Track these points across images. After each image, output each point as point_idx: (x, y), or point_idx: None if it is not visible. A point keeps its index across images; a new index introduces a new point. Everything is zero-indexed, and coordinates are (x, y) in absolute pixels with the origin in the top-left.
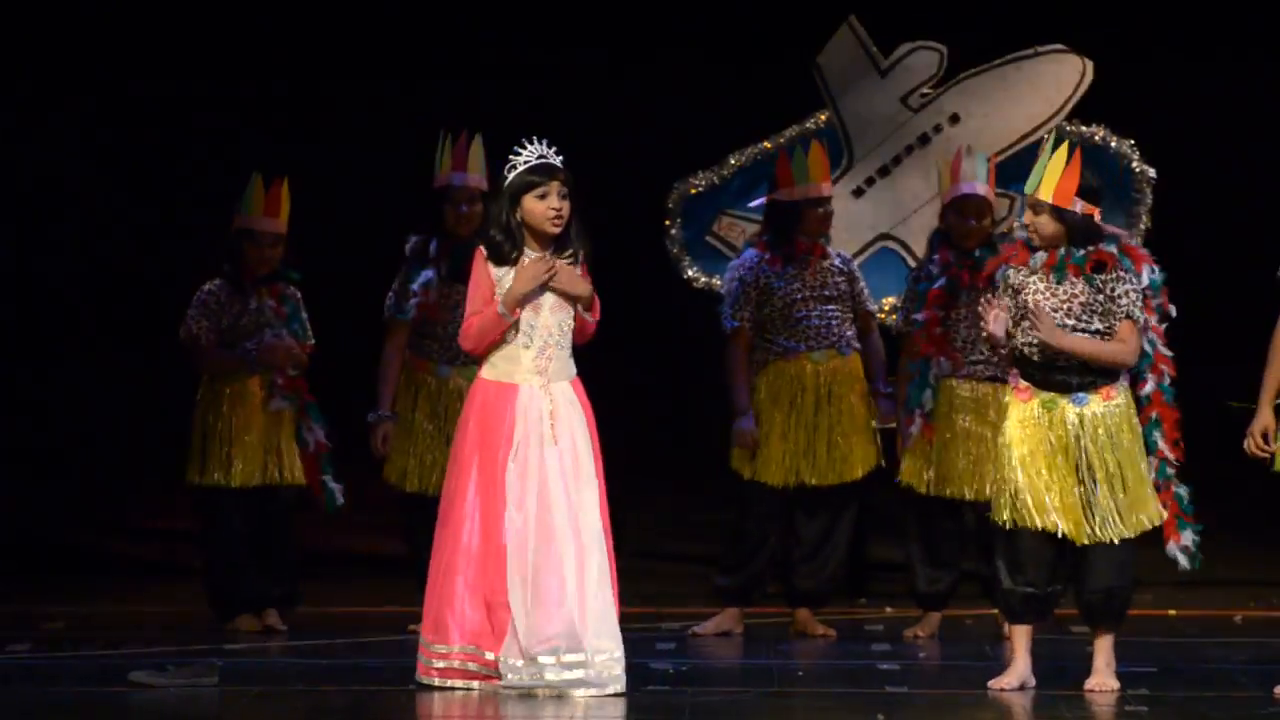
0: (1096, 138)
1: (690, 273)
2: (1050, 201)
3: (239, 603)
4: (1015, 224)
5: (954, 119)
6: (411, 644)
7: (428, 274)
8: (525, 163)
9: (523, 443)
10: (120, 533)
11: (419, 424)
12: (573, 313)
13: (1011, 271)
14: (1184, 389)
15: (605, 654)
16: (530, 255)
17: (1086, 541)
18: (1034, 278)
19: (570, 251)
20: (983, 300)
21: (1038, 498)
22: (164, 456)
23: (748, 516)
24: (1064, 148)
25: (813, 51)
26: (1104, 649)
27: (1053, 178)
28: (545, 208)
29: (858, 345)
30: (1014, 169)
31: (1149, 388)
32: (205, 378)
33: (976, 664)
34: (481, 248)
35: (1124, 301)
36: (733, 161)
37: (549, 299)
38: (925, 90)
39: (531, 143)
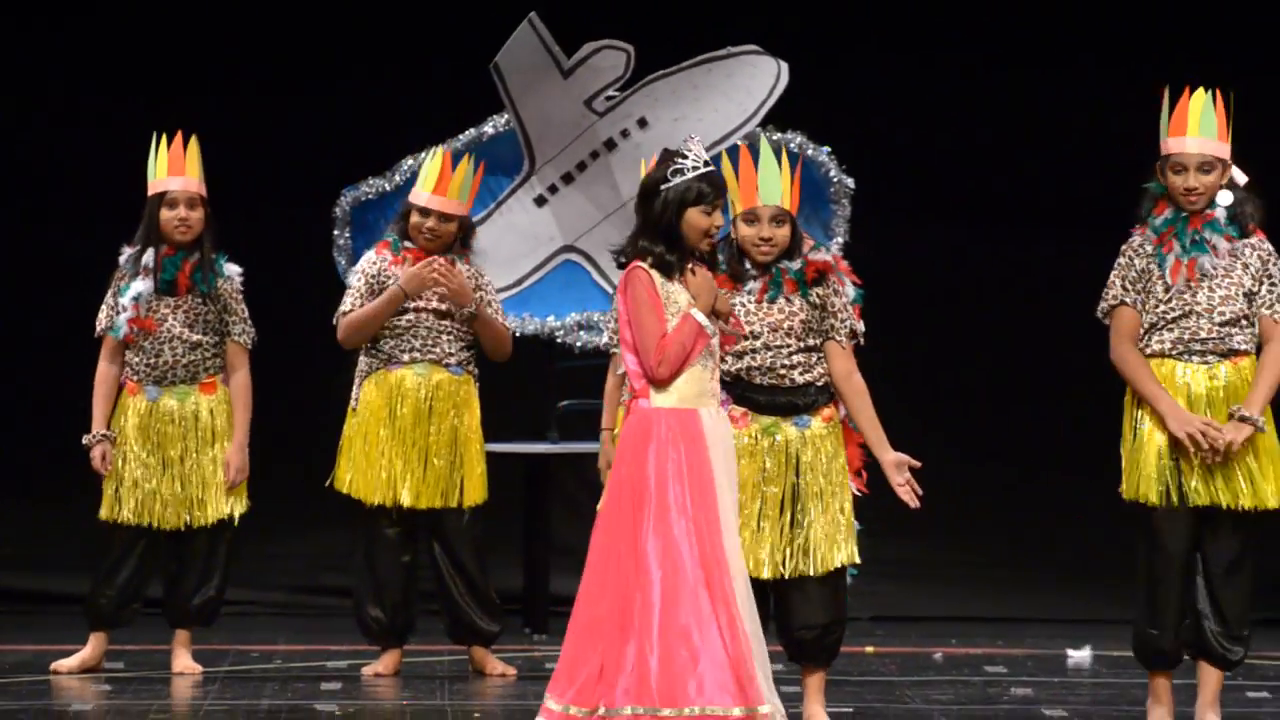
0: (792, 144)
1: None
2: (791, 210)
3: None
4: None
5: (642, 123)
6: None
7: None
8: (694, 168)
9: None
10: None
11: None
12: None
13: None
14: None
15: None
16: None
17: (787, 574)
18: (741, 299)
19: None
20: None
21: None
22: None
23: (370, 545)
24: (767, 150)
25: (492, 51)
26: (817, 688)
27: (786, 184)
28: (710, 225)
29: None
30: None
31: (840, 413)
32: None
33: None
34: (643, 265)
35: (845, 315)
36: (406, 166)
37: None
38: (611, 93)
39: (695, 145)
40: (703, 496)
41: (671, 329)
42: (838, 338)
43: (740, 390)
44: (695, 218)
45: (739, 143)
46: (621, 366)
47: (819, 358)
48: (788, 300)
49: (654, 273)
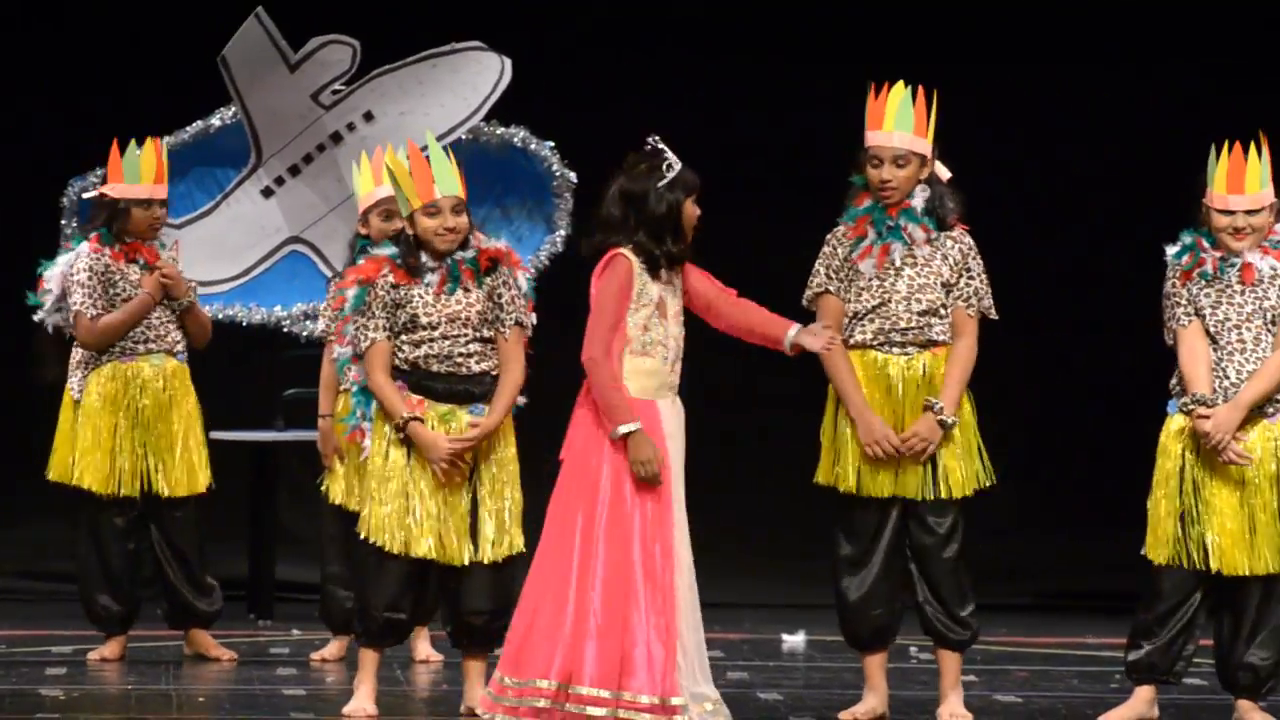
0: (516, 140)
1: None
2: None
3: None
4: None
5: (368, 117)
6: None
7: None
8: (675, 164)
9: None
10: None
11: None
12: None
13: (387, 288)
14: None
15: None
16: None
17: (464, 561)
18: (419, 290)
19: None
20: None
21: (405, 521)
22: None
23: (99, 534)
24: (435, 145)
25: (220, 44)
26: (479, 673)
27: (457, 174)
28: (696, 214)
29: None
30: None
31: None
32: None
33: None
34: (627, 252)
35: (513, 308)
36: None
37: (674, 306)
38: (338, 87)
39: (660, 143)
40: (658, 486)
41: (609, 379)
42: (504, 330)
43: (417, 378)
44: (688, 209)
45: (463, 136)
46: (335, 352)
47: (495, 347)
48: (465, 291)
49: (637, 264)
